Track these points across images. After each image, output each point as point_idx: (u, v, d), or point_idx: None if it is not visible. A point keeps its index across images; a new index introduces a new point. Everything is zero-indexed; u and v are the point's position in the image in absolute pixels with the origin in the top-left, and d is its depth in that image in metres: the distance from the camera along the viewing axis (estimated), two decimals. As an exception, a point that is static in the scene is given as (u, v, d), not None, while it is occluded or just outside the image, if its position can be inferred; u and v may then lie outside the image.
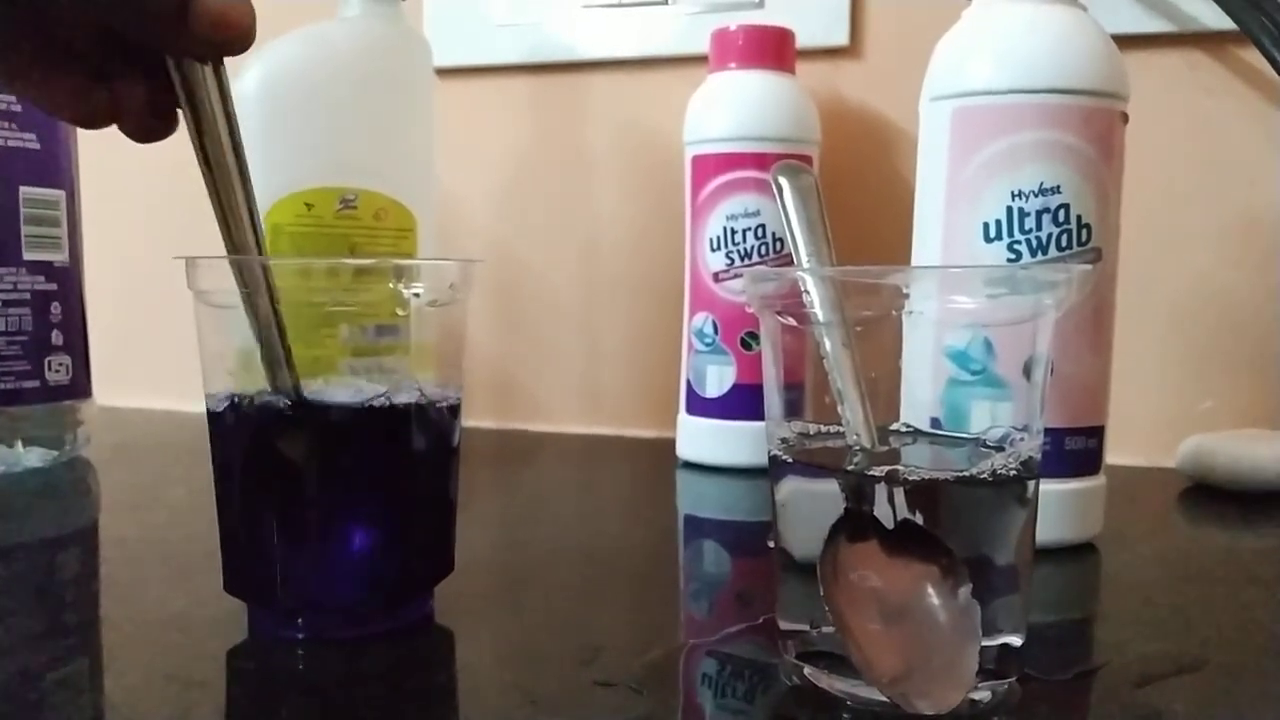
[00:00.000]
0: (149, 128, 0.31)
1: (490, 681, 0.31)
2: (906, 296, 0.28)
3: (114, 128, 0.32)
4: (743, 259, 0.59)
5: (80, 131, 0.60)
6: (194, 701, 0.29)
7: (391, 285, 0.32)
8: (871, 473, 0.28)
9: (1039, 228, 0.41)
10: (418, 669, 0.32)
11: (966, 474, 0.28)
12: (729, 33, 0.60)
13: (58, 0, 0.29)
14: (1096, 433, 0.44)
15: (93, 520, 0.51)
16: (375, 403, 0.33)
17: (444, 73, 0.71)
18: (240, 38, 0.30)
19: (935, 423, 0.38)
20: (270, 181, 0.52)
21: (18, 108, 0.56)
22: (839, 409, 0.29)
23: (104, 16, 0.28)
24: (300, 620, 0.33)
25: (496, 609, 0.37)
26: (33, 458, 0.57)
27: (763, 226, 0.58)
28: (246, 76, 0.52)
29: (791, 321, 0.30)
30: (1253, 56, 0.59)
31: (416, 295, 0.32)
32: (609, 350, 0.74)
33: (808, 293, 0.29)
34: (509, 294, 0.75)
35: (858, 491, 0.28)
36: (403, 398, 0.33)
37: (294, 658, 0.32)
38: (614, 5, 0.70)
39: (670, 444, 0.64)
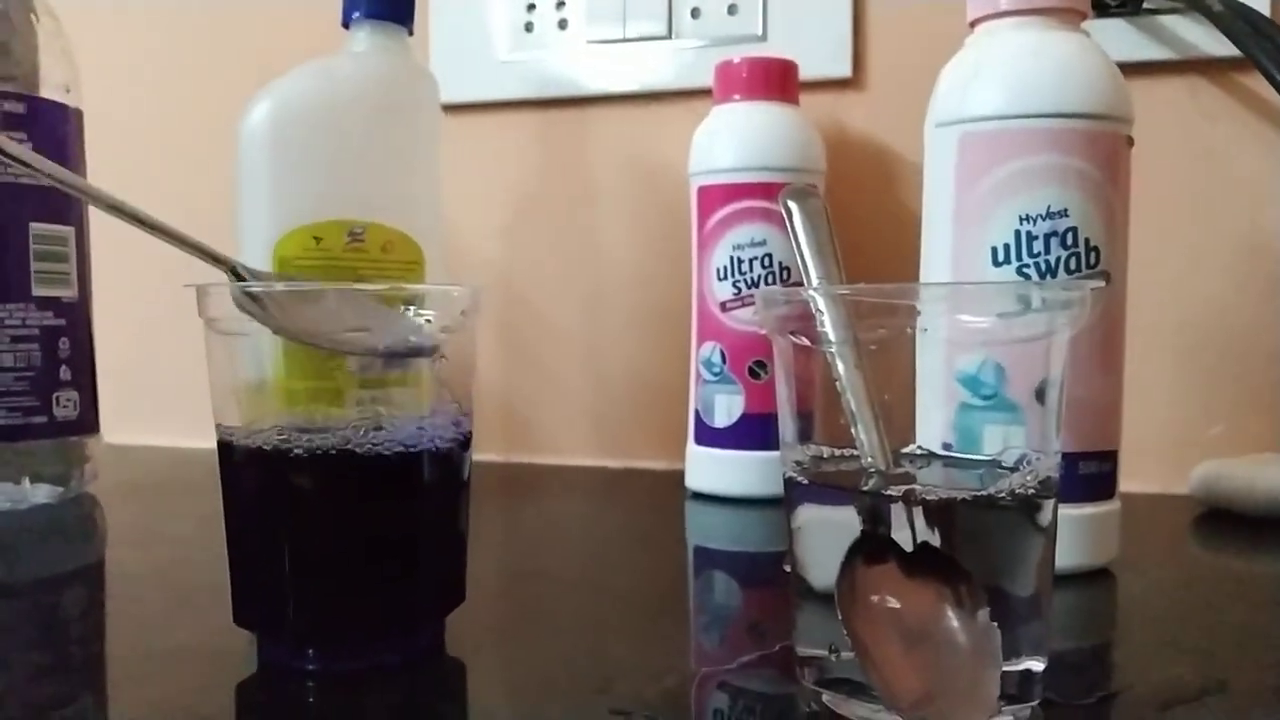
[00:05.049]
0: None
1: (502, 712, 0.31)
2: (919, 313, 0.28)
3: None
4: (750, 288, 0.58)
5: (89, 168, 0.60)
6: (203, 734, 0.28)
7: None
8: (888, 493, 0.27)
9: (1047, 251, 0.41)
10: (429, 700, 0.31)
11: (984, 493, 0.27)
12: (732, 65, 0.60)
13: None
14: (1110, 457, 0.43)
15: (99, 556, 0.51)
16: (384, 435, 0.32)
17: (450, 108, 0.71)
18: None
19: (948, 448, 0.38)
20: (278, 215, 0.52)
21: (26, 145, 0.56)
22: (852, 431, 0.29)
23: None
24: (310, 652, 0.32)
25: (508, 639, 0.37)
26: (40, 494, 0.57)
27: (769, 256, 0.58)
28: (255, 110, 0.53)
29: (805, 342, 0.29)
30: (1254, 82, 0.59)
31: (428, 322, 0.32)
32: (616, 382, 0.74)
33: (820, 313, 0.29)
34: (516, 327, 0.75)
35: (874, 513, 0.27)
36: (412, 430, 0.33)
37: (304, 689, 0.31)
38: (618, 40, 0.71)
39: (679, 475, 0.63)
